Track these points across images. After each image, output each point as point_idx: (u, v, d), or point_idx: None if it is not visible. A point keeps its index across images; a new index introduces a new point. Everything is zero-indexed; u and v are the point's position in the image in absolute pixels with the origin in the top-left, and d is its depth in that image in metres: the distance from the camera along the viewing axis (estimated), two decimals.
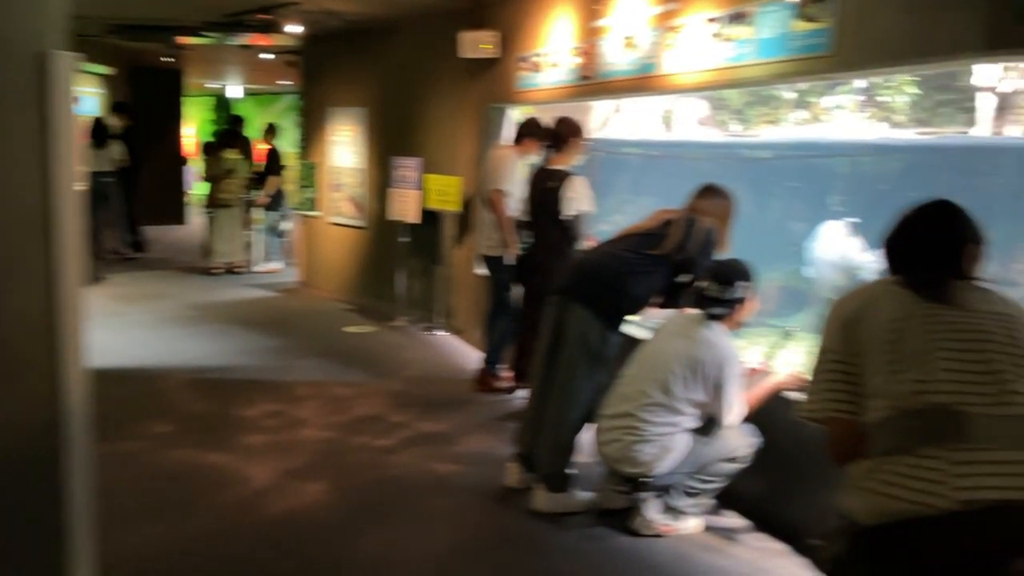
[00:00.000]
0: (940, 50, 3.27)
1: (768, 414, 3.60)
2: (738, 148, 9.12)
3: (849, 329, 1.77)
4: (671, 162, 9.88)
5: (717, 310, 3.56)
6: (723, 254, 3.94)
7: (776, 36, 4.14)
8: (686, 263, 3.87)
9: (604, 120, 9.65)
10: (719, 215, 4.00)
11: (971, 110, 8.41)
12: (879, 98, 9.28)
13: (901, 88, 8.92)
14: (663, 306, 4.08)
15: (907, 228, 1.90)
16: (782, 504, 3.70)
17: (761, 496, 3.83)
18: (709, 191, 4.02)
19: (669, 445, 3.47)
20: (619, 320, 3.91)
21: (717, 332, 3.49)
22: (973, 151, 7.08)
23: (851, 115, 9.39)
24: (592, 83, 5.46)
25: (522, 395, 5.11)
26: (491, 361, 5.92)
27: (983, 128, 8.18)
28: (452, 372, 6.36)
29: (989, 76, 7.92)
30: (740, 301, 3.57)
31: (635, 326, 4.83)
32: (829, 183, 8.61)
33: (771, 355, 4.22)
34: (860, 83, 8.53)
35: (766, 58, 4.24)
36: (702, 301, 3.59)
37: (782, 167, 9.20)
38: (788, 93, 9.45)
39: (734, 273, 3.56)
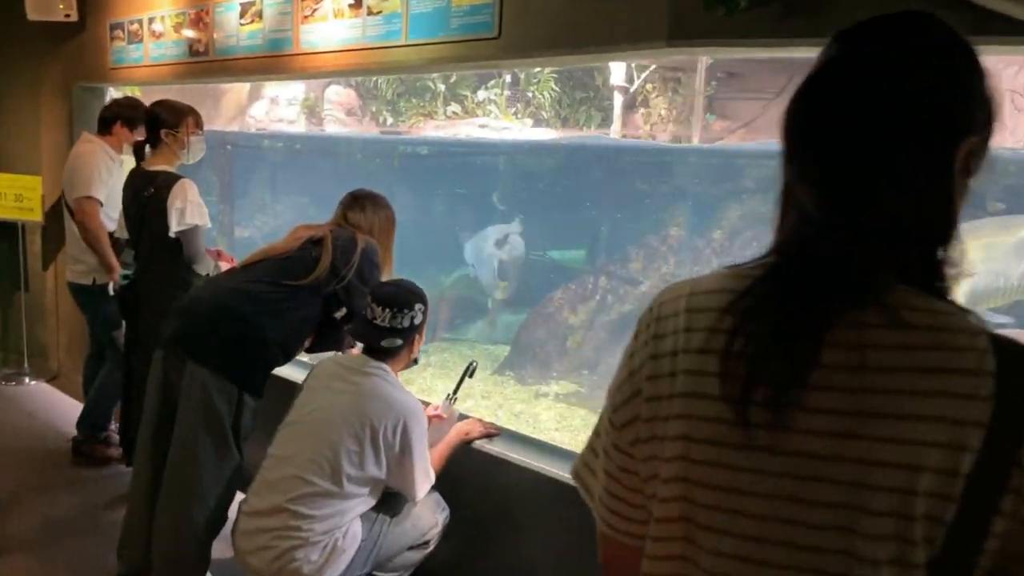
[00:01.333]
0: (619, 38, 2.75)
1: (454, 475, 3.07)
2: (394, 144, 8.45)
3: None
4: (318, 159, 8.93)
5: (393, 341, 2.88)
6: (386, 277, 3.31)
7: (432, 11, 3.37)
8: (342, 293, 3.14)
9: (240, 107, 8.35)
10: (379, 229, 3.36)
11: (607, 109, 8.63)
12: (528, 93, 9.20)
13: (546, 84, 8.90)
14: (313, 349, 3.35)
15: None
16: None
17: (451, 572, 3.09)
18: (364, 199, 3.37)
19: (340, 545, 2.57)
20: (257, 378, 2.90)
21: (389, 377, 2.88)
22: (617, 150, 7.24)
23: (500, 111, 9.19)
24: (208, 61, 4.64)
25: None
26: (93, 423, 4.48)
27: (616, 128, 8.44)
28: (40, 438, 4.97)
29: (622, 75, 8.14)
30: (418, 329, 2.93)
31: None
32: (490, 182, 8.41)
33: (452, 394, 3.50)
34: (508, 76, 8.36)
35: (420, 38, 3.45)
36: (370, 334, 2.88)
37: (439, 165, 8.81)
38: (441, 84, 8.96)
39: (408, 294, 2.92)
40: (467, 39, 3.36)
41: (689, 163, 6.31)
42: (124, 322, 4.46)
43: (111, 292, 4.72)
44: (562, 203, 7.33)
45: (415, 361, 3.19)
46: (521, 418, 5.13)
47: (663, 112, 8.08)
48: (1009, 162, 5.23)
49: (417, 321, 3.03)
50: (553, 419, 5.14)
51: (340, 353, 3.35)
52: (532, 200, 7.73)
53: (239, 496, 3.02)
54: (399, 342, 3.01)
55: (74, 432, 4.85)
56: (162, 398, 3.08)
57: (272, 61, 4.43)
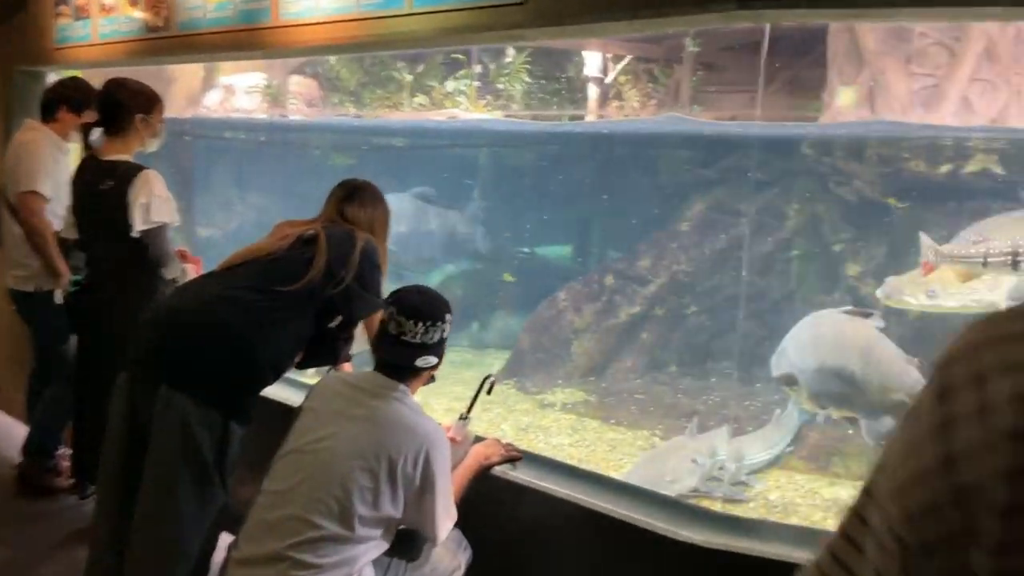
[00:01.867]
0: (655, 3, 2.34)
1: (472, 506, 2.67)
2: (369, 133, 7.93)
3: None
4: (288, 149, 8.35)
5: (428, 360, 2.49)
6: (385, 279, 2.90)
7: None
8: (339, 299, 2.71)
9: (192, 96, 7.76)
10: (376, 225, 2.93)
11: (580, 99, 8.39)
12: (498, 85, 8.83)
13: (517, 75, 8.53)
14: (304, 365, 2.93)
15: None
16: None
17: None
18: (360, 191, 2.94)
19: None
20: (247, 404, 2.45)
21: (408, 401, 2.48)
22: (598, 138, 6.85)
23: (470, 102, 8.78)
24: (168, 37, 4.19)
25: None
26: (39, 448, 3.97)
27: (591, 116, 8.18)
28: None
29: (596, 66, 7.94)
30: (446, 342, 2.54)
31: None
32: (472, 173, 7.96)
33: (466, 413, 3.04)
34: (479, 67, 8.05)
35: (428, 5, 2.97)
36: (401, 352, 2.46)
37: (420, 156, 8.32)
38: (407, 74, 8.52)
39: (438, 303, 2.55)
40: (485, 5, 2.89)
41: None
42: (75, 335, 3.88)
43: (58, 300, 4.13)
44: (552, 196, 6.91)
45: (433, 379, 2.72)
46: (529, 432, 4.69)
47: (636, 104, 7.79)
48: None
49: (447, 334, 2.56)
50: (564, 432, 4.70)
51: (339, 370, 2.86)
52: (518, 193, 7.30)
53: (225, 537, 2.48)
54: (434, 360, 2.54)
55: (18, 459, 4.27)
56: (128, 428, 2.58)
57: (246, 36, 3.88)
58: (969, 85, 5.35)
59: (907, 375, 3.38)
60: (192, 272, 3.76)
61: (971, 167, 4.94)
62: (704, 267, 5.47)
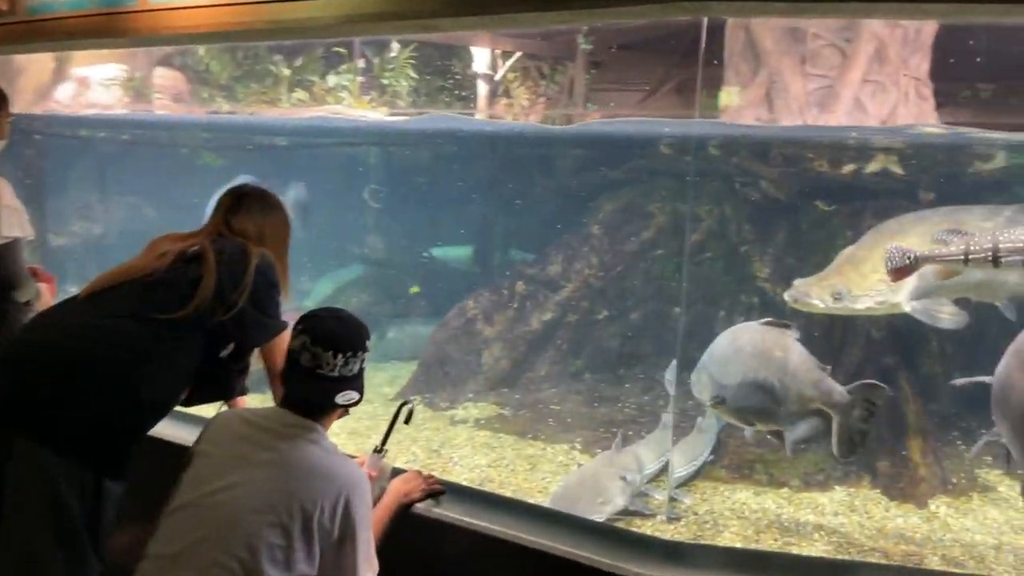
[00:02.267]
0: None
1: (395, 549, 2.34)
2: (246, 132, 7.35)
3: None
4: (154, 148, 7.62)
5: (350, 396, 2.17)
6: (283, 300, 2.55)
7: None
8: (231, 325, 2.37)
9: (41, 90, 7.00)
10: (269, 236, 2.57)
11: (468, 98, 8.13)
12: (383, 81, 8.44)
13: (403, 71, 8.18)
14: (190, 401, 2.55)
15: None
16: None
17: None
18: (247, 199, 2.59)
19: None
20: (123, 456, 2.08)
21: (323, 441, 2.19)
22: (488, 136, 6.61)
23: (353, 98, 8.35)
24: (14, 23, 3.71)
25: None
26: None
27: (482, 114, 7.94)
28: None
29: (485, 63, 7.69)
30: (363, 374, 2.23)
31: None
32: (363, 173, 7.52)
33: (382, 445, 2.72)
34: (362, 61, 7.63)
35: None
36: (318, 388, 2.15)
37: (307, 156, 7.79)
38: (285, 68, 7.97)
39: (357, 329, 2.24)
40: None
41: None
42: None
43: None
44: (451, 197, 6.60)
45: (347, 412, 2.38)
46: (443, 454, 4.36)
47: (525, 102, 7.63)
48: (937, 149, 5.14)
49: (366, 364, 2.22)
50: (480, 451, 4.40)
51: (235, 405, 2.50)
52: (412, 194, 6.94)
53: None
54: (356, 396, 2.19)
55: None
56: None
57: (107, 21, 3.38)
58: (861, 87, 5.44)
59: (823, 383, 3.35)
60: (47, 293, 3.23)
61: (872, 167, 5.02)
62: (616, 270, 5.32)
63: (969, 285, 3.86)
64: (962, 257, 3.17)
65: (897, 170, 5.18)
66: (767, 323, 3.70)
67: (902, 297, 3.69)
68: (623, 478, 3.64)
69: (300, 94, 7.76)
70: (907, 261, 3.29)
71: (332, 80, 7.64)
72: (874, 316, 4.27)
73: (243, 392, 2.69)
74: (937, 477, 3.98)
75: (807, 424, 3.43)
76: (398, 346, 5.75)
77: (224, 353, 2.46)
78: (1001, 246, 3.08)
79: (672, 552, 2.67)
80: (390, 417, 2.79)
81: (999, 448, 4.33)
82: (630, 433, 4.46)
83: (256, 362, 2.63)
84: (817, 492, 3.98)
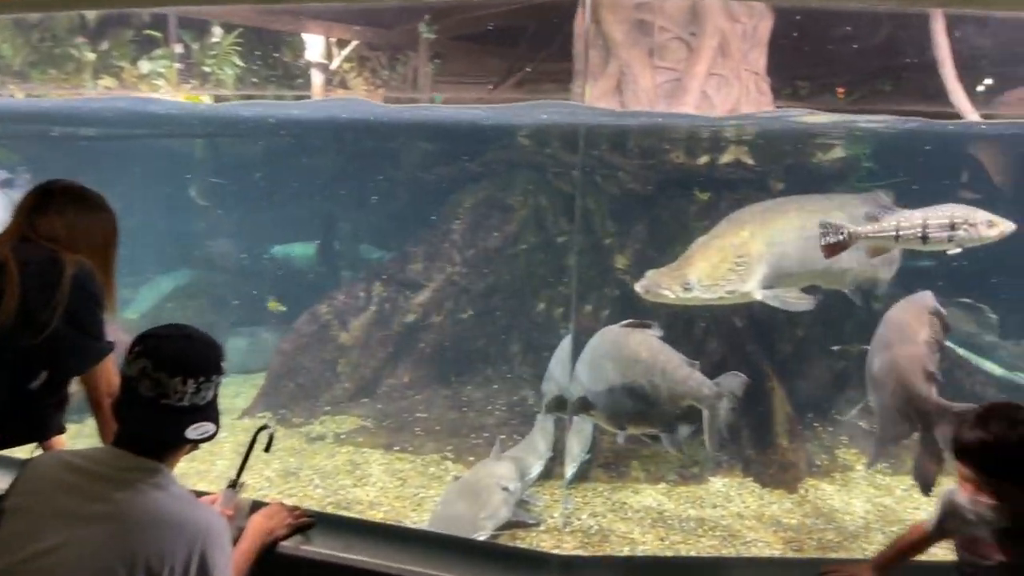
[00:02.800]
0: None
1: None
2: (47, 121, 6.44)
3: None
4: None
5: (205, 429, 1.77)
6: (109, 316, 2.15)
7: None
8: (44, 349, 1.97)
9: None
10: (89, 241, 2.15)
11: (300, 87, 7.68)
12: (204, 68, 7.75)
13: (227, 58, 7.54)
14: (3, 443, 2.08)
15: None
16: None
17: None
18: (61, 196, 2.16)
19: None
20: None
21: (171, 486, 1.79)
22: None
23: (171, 85, 7.60)
24: None
25: None
26: None
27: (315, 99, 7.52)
28: None
29: (319, 51, 7.28)
30: (217, 402, 1.84)
31: None
32: (193, 165, 6.78)
33: (237, 479, 2.31)
34: (179, 48, 6.94)
35: None
36: (166, 421, 1.74)
37: (121, 147, 6.92)
38: (89, 52, 7.10)
39: (207, 350, 1.83)
40: None
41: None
42: None
43: None
44: (295, 191, 6.09)
45: (196, 447, 1.97)
46: (301, 477, 3.92)
47: (364, 93, 7.30)
48: (784, 140, 5.31)
49: (220, 388, 1.83)
50: (344, 471, 4.00)
51: (52, 447, 2.20)
52: (251, 189, 6.35)
53: None
54: (211, 429, 1.79)
55: None
56: None
57: None
58: (707, 80, 5.54)
59: (692, 379, 3.32)
60: None
61: (726, 158, 5.11)
62: (480, 267, 5.08)
63: (816, 273, 3.99)
64: (893, 234, 3.22)
65: (748, 160, 5.32)
66: (629, 324, 3.63)
67: (752, 286, 3.72)
68: (505, 488, 3.41)
69: (107, 80, 6.90)
70: (840, 237, 3.33)
71: (146, 66, 6.86)
72: (735, 305, 4.33)
73: (60, 430, 2.20)
74: (803, 460, 4.08)
75: (685, 423, 3.39)
76: (241, 357, 5.18)
77: (35, 384, 2.01)
78: (930, 222, 3.15)
79: (567, 567, 2.47)
80: (245, 443, 2.38)
81: (859, 427, 4.58)
82: (502, 436, 4.25)
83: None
84: (695, 485, 3.96)
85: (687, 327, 4.88)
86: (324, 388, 4.73)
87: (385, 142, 6.31)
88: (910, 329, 3.14)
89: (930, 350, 3.03)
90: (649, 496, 3.85)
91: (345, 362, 4.77)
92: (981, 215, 3.15)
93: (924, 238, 3.15)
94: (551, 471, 4.01)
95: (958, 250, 3.18)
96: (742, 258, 3.70)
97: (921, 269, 4.63)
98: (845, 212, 4.04)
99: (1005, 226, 3.17)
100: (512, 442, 4.19)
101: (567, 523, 3.55)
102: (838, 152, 5.20)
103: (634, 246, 5.11)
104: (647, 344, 3.54)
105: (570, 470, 3.95)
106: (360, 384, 4.79)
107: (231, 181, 6.43)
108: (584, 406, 3.64)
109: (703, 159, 5.35)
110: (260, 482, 3.83)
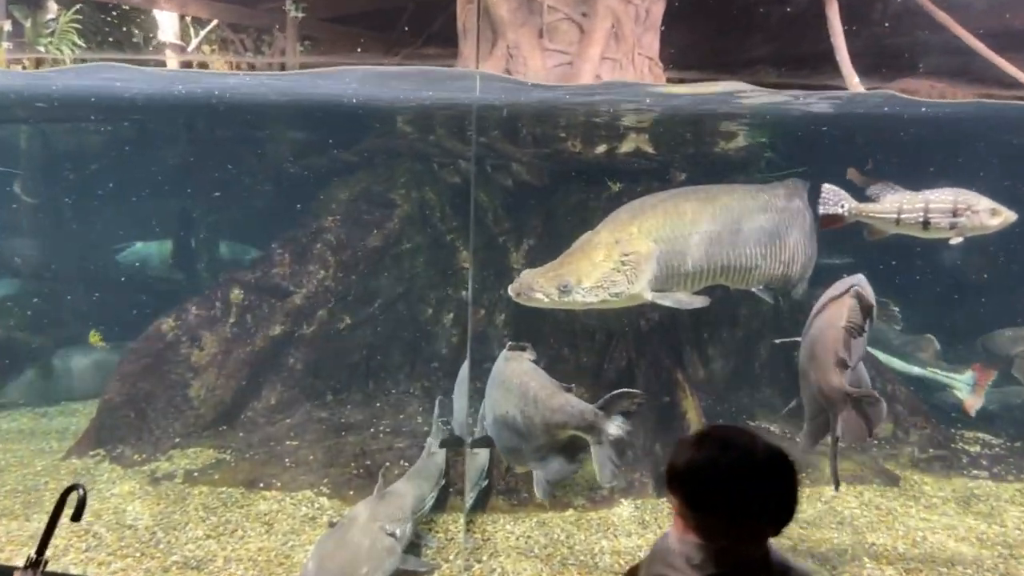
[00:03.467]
0: None
1: None
2: None
3: None
4: None
5: None
6: None
7: None
8: None
9: None
10: None
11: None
12: (39, 48, 6.80)
13: (67, 35, 6.63)
14: None
15: None
16: None
17: None
18: None
19: None
20: None
21: None
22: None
23: None
24: None
25: None
26: None
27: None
28: None
29: (172, 32, 6.54)
30: None
31: None
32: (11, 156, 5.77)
33: (38, 554, 1.74)
34: (8, 26, 6.06)
35: None
36: None
37: None
38: None
39: None
40: None
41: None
42: None
43: None
44: (136, 185, 5.26)
45: None
46: (139, 531, 3.19)
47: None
48: (685, 127, 4.98)
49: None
50: (197, 519, 3.30)
51: None
52: (83, 183, 5.47)
53: None
54: None
55: None
56: None
57: None
58: (600, 64, 5.19)
59: (569, 406, 2.89)
60: None
61: (625, 147, 4.73)
62: (357, 269, 4.45)
63: (718, 272, 3.61)
64: (894, 216, 3.00)
65: (649, 149, 4.96)
66: (510, 347, 3.22)
67: (640, 287, 3.31)
68: (391, 534, 2.87)
69: None
70: (839, 209, 3.07)
71: None
72: (638, 309, 3.96)
73: None
74: None
75: (557, 460, 2.93)
76: (70, 383, 4.34)
77: None
78: (932, 207, 2.92)
79: None
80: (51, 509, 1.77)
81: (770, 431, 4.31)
82: (387, 464, 3.69)
83: None
84: (605, 510, 3.53)
85: (590, 332, 4.51)
86: (173, 416, 3.97)
87: (249, 128, 5.56)
88: (829, 313, 2.92)
89: (847, 335, 2.78)
90: (556, 526, 3.39)
91: (199, 385, 4.03)
92: (984, 202, 2.94)
93: (925, 223, 2.88)
94: (445, 501, 3.51)
95: (959, 239, 2.95)
96: (628, 256, 3.28)
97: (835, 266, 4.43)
98: (756, 202, 3.75)
99: (1008, 215, 2.98)
100: (399, 470, 3.65)
101: (467, 567, 3.05)
102: (740, 141, 4.93)
103: (529, 242, 4.65)
104: (520, 371, 3.11)
105: (468, 501, 3.45)
106: (217, 410, 4.05)
107: (66, 172, 5.52)
108: (486, 444, 3.21)
109: (601, 148, 4.96)
110: (81, 549, 3.09)
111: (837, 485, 2.97)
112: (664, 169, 4.66)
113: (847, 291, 2.90)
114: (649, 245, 3.35)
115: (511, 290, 3.19)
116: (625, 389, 2.83)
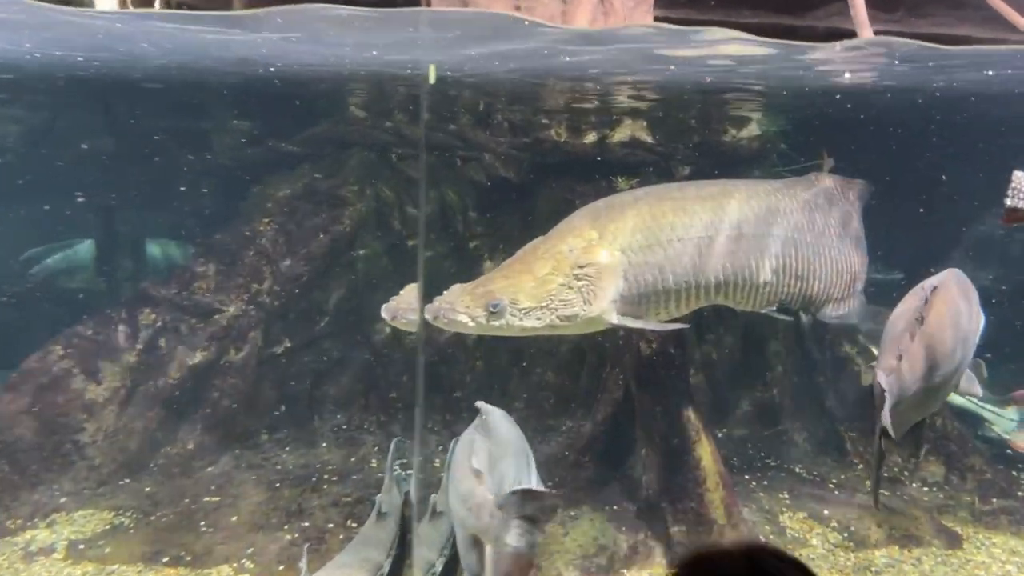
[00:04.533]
0: None
1: None
2: None
3: None
4: None
5: None
6: None
7: None
8: None
9: None
10: None
11: None
12: None
13: None
14: None
15: None
16: None
17: None
18: None
19: None
20: None
21: None
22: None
23: None
24: None
25: None
26: None
27: None
28: None
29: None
30: None
31: None
32: None
33: None
34: None
35: None
36: None
37: None
38: None
39: None
40: None
41: None
42: None
43: None
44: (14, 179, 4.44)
45: None
46: None
47: None
48: (688, 112, 4.26)
49: None
50: None
51: None
52: None
53: None
54: None
55: None
56: None
57: None
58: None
59: (471, 496, 2.20)
60: None
61: (619, 135, 4.01)
62: (299, 282, 3.70)
63: (711, 290, 2.87)
64: None
65: (647, 138, 4.23)
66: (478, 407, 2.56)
67: (601, 307, 2.54)
68: None
69: None
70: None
71: None
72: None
73: None
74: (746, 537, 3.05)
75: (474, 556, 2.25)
76: None
77: None
78: None
79: None
80: None
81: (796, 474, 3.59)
82: (331, 526, 2.96)
83: None
84: None
85: (579, 357, 3.79)
86: (58, 470, 3.17)
87: (152, 117, 4.65)
88: (906, 307, 2.53)
89: (909, 329, 2.44)
90: None
91: (94, 428, 3.24)
92: None
93: None
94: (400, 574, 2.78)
95: None
96: (584, 270, 2.55)
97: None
98: (763, 202, 3.01)
99: None
100: (345, 534, 2.92)
101: None
102: (753, 128, 4.24)
103: (508, 250, 3.92)
104: (464, 439, 2.49)
105: (441, 562, 2.73)
106: (117, 460, 3.24)
107: None
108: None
109: (591, 137, 4.21)
110: None
111: (876, 502, 2.63)
112: (665, 161, 3.97)
113: (928, 283, 2.51)
114: (613, 255, 2.60)
115: (427, 312, 2.42)
116: (530, 487, 2.09)
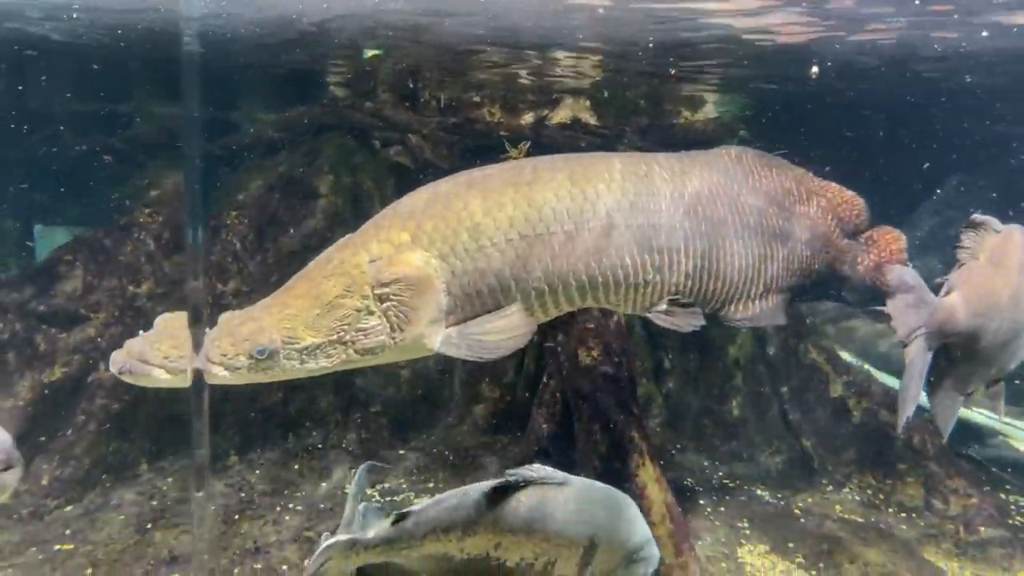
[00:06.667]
0: None
1: None
2: None
3: None
4: None
5: None
6: None
7: None
8: None
9: None
10: None
11: None
12: None
13: None
14: None
15: None
16: None
17: None
18: None
19: None
20: None
21: None
22: None
23: None
24: None
25: None
26: None
27: None
28: None
29: None
30: None
31: None
32: None
33: None
34: None
35: None
36: None
37: None
38: None
39: None
40: None
41: None
42: None
43: None
44: None
45: None
46: None
47: None
48: (636, 91, 3.81)
49: None
50: None
51: None
52: None
53: None
54: None
55: None
56: None
57: None
58: None
59: None
60: None
61: (560, 115, 3.59)
62: (270, 282, 3.19)
63: (571, 297, 2.27)
64: None
65: (590, 119, 3.80)
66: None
67: (419, 331, 1.95)
68: None
69: None
70: None
71: None
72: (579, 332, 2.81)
73: None
74: None
75: None
76: None
77: None
78: None
79: None
80: None
81: (760, 501, 3.17)
82: None
83: None
84: None
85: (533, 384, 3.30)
86: None
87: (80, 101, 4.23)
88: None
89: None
90: None
91: None
92: None
93: None
94: None
95: None
96: (388, 288, 1.93)
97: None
98: (645, 184, 2.30)
99: None
100: None
101: None
102: (709, 111, 3.82)
103: None
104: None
105: None
106: None
107: None
108: None
109: (528, 117, 3.76)
110: None
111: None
112: (611, 145, 3.53)
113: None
114: (429, 264, 1.98)
115: (112, 364, 1.75)
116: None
